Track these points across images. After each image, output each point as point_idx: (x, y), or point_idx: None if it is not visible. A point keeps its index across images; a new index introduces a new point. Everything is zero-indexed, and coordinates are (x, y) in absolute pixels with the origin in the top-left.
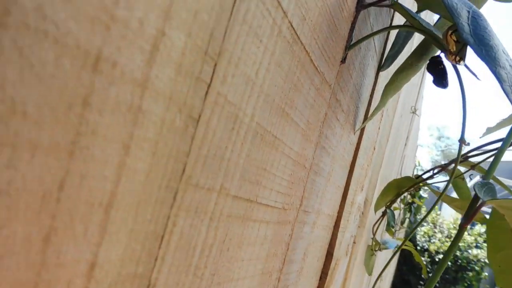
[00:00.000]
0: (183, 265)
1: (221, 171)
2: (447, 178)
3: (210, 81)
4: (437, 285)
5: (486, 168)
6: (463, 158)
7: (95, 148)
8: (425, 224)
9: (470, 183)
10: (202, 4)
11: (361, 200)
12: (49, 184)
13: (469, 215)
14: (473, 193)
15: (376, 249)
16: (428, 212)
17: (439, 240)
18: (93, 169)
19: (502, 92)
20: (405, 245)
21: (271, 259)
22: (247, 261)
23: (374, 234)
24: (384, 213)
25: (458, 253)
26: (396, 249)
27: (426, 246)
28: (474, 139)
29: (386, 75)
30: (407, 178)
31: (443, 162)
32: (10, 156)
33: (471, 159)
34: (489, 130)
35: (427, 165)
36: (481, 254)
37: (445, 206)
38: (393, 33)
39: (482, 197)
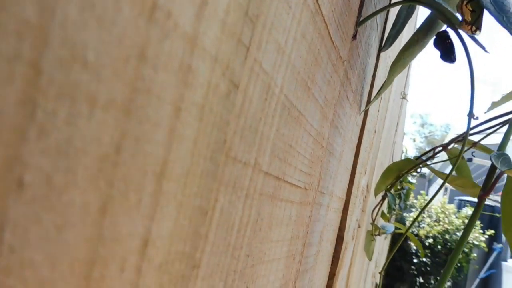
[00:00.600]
0: (222, 244)
1: (255, 145)
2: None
3: (249, 45)
4: (428, 269)
5: (486, 147)
6: (457, 138)
7: (149, 109)
8: (413, 209)
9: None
10: None
11: (364, 183)
12: (107, 146)
13: (488, 186)
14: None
15: (376, 234)
16: (433, 197)
17: (428, 224)
18: (147, 132)
19: None
20: (400, 229)
21: (295, 241)
22: (275, 242)
23: (373, 219)
24: (384, 197)
25: (447, 236)
26: (393, 234)
27: (416, 232)
28: (462, 122)
29: (384, 57)
30: (406, 160)
31: (427, 149)
32: (69, 110)
33: (470, 138)
34: (494, 104)
35: (412, 152)
36: (470, 235)
37: (432, 191)
38: (393, 12)
39: (500, 167)
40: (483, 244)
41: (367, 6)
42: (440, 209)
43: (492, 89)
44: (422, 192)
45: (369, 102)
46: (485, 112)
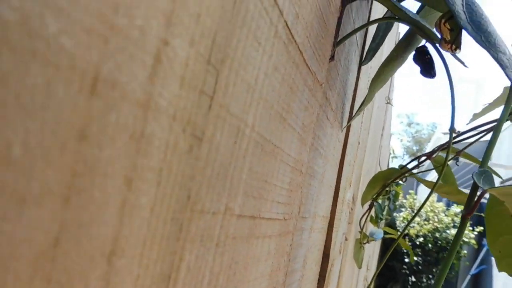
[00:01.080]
0: None
1: (225, 191)
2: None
3: (213, 94)
4: (420, 267)
5: (469, 152)
6: (441, 147)
7: (94, 189)
8: (403, 209)
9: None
10: (204, 5)
11: (350, 196)
12: (42, 243)
13: (471, 206)
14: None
15: (365, 242)
16: (421, 207)
17: (418, 224)
18: (92, 215)
19: (506, 77)
20: (391, 234)
21: (275, 274)
22: (253, 281)
23: (362, 228)
24: (371, 206)
25: (437, 234)
26: (382, 239)
27: (406, 231)
28: (445, 125)
29: (365, 69)
30: (392, 169)
31: (414, 148)
32: None
33: (454, 146)
34: (476, 116)
35: (399, 152)
36: None
37: (421, 190)
38: (373, 25)
39: (482, 186)
40: (473, 241)
41: (344, 24)
42: (429, 208)
43: (476, 87)
44: (411, 191)
45: (350, 118)
46: (467, 124)
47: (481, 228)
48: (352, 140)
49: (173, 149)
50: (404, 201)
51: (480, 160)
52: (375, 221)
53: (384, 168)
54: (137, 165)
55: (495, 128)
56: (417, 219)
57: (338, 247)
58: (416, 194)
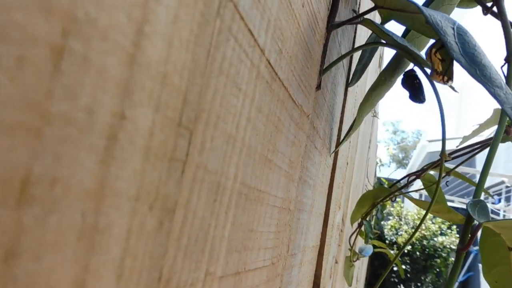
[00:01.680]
0: None
1: (205, 256)
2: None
3: (186, 157)
4: (409, 275)
5: (461, 174)
6: (431, 166)
7: None
8: (390, 217)
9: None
10: (171, 64)
11: (339, 218)
12: None
13: (467, 240)
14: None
15: (355, 259)
16: (418, 226)
17: (405, 232)
18: None
19: (505, 113)
20: (380, 248)
21: None
22: None
23: (351, 246)
24: (360, 224)
25: (425, 242)
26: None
27: (394, 239)
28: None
29: (352, 89)
30: (381, 188)
31: (400, 155)
32: None
33: (446, 164)
34: (466, 138)
35: (386, 159)
36: (446, 240)
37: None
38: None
39: (477, 219)
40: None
41: (331, 49)
42: (416, 216)
43: (459, 91)
44: (398, 199)
45: (339, 142)
46: (457, 147)
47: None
48: (340, 163)
49: (138, 233)
50: (392, 209)
51: (473, 179)
52: (365, 240)
53: (372, 179)
54: (91, 265)
55: (488, 157)
56: (404, 227)
57: (329, 272)
58: (403, 202)
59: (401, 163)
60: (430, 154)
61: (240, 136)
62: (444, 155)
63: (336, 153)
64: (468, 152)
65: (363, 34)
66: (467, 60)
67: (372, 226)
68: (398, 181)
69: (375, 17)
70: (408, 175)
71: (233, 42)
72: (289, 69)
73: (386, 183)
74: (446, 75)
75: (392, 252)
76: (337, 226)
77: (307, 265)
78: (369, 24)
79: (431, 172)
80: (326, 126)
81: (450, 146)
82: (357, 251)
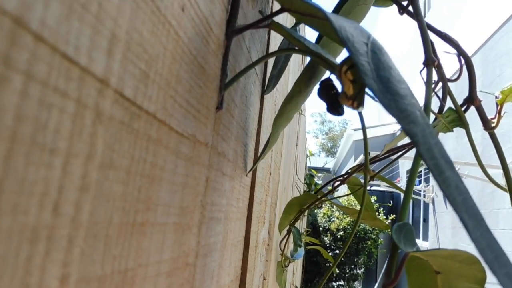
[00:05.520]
0: None
1: None
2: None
3: None
4: (343, 259)
5: (385, 177)
6: (353, 171)
7: None
8: (323, 206)
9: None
10: None
11: (265, 233)
12: None
13: (392, 273)
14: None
15: (286, 264)
16: (350, 236)
17: (337, 218)
18: None
19: (422, 157)
20: (311, 244)
21: None
22: None
23: (282, 251)
24: (289, 230)
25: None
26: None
27: (327, 226)
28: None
29: (270, 94)
30: (307, 195)
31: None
32: None
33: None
34: (387, 147)
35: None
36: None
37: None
38: (273, 49)
39: (404, 248)
40: (388, 230)
41: (236, 57)
42: (346, 202)
43: None
44: (329, 188)
45: (257, 156)
46: (380, 155)
47: (394, 216)
48: (261, 177)
49: None
50: None
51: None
52: (294, 248)
53: (303, 173)
54: None
55: (407, 191)
56: (336, 213)
57: None
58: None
59: (330, 152)
60: (356, 142)
61: (65, 219)
62: (367, 171)
63: (254, 169)
64: (390, 155)
65: (279, 38)
66: (381, 86)
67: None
68: (324, 185)
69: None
70: (333, 180)
71: (22, 81)
72: (165, 95)
73: (315, 173)
74: (357, 100)
75: (325, 239)
76: (262, 243)
77: None
78: (278, 28)
79: (357, 176)
80: (237, 145)
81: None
82: (288, 255)
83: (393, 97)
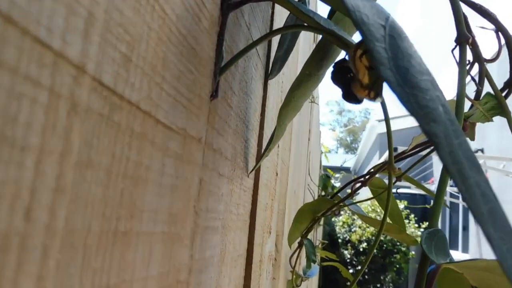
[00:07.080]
0: None
1: None
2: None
3: None
4: (366, 277)
5: (412, 178)
6: (376, 171)
7: None
8: (342, 213)
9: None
10: None
11: (271, 245)
12: None
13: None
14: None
15: (298, 284)
16: (373, 247)
17: (359, 227)
18: None
19: (445, 169)
20: (328, 259)
21: None
22: None
23: (293, 267)
24: (300, 243)
25: (382, 237)
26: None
27: (348, 237)
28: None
29: (276, 79)
30: (322, 199)
31: (348, 139)
32: None
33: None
34: (416, 140)
35: (332, 144)
36: (407, 230)
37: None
38: (278, 26)
39: (435, 259)
40: (415, 244)
41: (233, 35)
42: (370, 208)
43: None
44: (348, 191)
45: (260, 153)
46: (407, 150)
47: (427, 223)
48: (266, 178)
49: None
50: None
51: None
52: (307, 264)
53: (317, 174)
54: None
55: (438, 192)
56: (358, 222)
57: None
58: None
59: (350, 148)
60: (380, 135)
61: (38, 226)
62: (392, 169)
63: (257, 169)
64: (418, 151)
65: (284, 13)
66: (400, 79)
67: (322, 225)
68: (341, 189)
69: None
70: (353, 181)
71: None
72: (150, 82)
73: (332, 173)
74: (374, 90)
75: (347, 253)
76: (268, 257)
77: None
78: (283, 1)
79: (380, 176)
80: (236, 140)
81: (400, 125)
82: (300, 272)
83: (411, 91)
